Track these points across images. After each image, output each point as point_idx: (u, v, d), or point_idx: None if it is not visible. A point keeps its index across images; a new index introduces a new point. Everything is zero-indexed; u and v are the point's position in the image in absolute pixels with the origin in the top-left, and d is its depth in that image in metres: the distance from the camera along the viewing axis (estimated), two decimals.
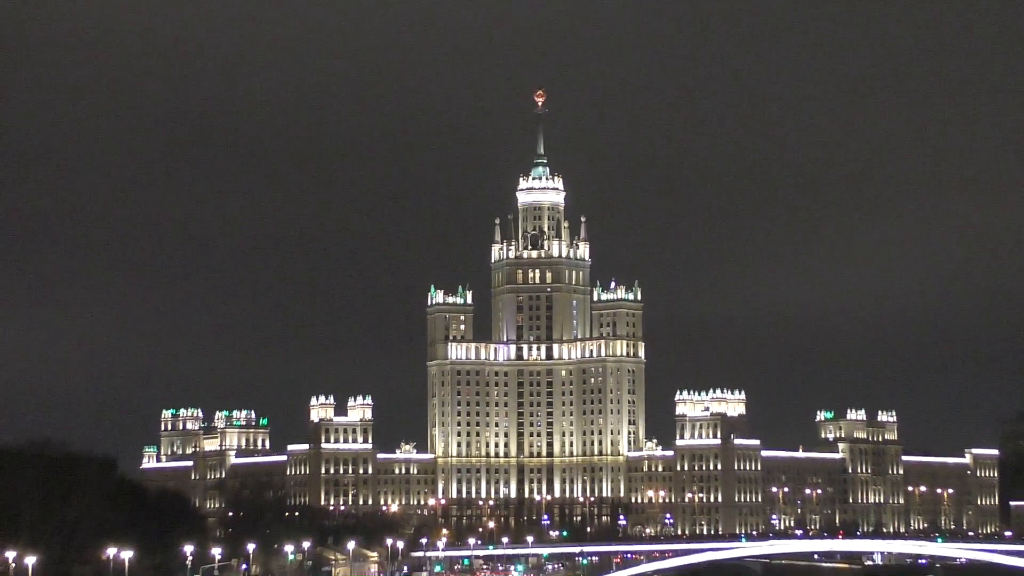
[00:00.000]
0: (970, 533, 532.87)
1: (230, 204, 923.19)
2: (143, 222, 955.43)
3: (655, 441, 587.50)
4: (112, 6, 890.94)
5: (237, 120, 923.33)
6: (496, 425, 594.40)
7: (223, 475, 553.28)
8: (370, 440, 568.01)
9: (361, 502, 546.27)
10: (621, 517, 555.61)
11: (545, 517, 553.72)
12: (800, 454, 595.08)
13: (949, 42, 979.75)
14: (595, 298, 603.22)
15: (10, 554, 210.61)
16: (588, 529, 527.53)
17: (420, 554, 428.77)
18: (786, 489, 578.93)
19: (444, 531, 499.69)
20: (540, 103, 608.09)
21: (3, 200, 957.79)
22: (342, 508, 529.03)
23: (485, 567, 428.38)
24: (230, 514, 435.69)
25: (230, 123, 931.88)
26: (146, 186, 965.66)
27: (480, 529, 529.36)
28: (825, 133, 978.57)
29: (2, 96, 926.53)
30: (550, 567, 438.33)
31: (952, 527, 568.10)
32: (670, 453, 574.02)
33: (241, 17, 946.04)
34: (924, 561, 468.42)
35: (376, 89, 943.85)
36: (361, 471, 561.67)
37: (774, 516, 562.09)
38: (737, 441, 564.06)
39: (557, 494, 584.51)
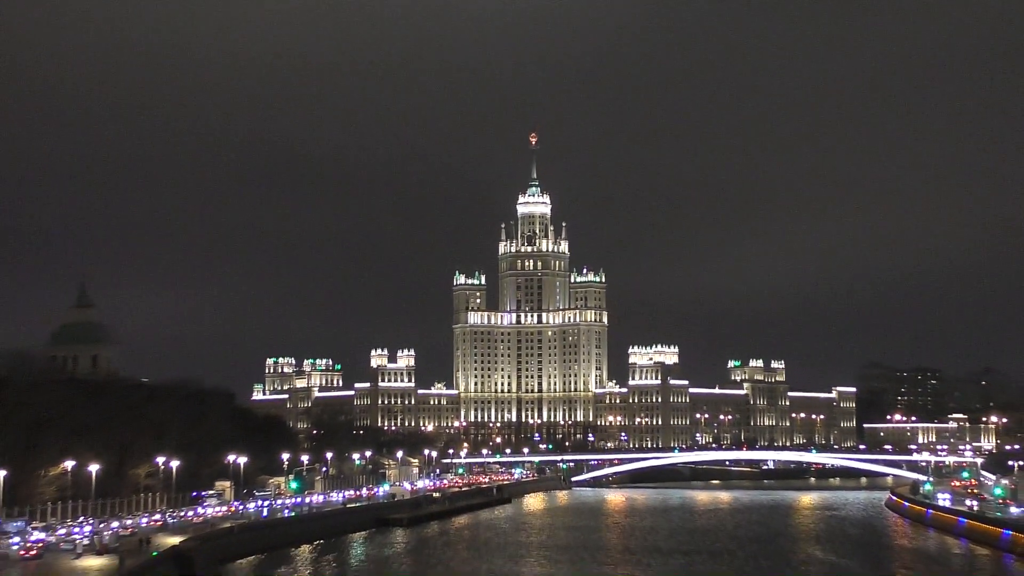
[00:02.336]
0: (835, 446, 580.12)
1: (311, 214, 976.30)
2: (251, 227, 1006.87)
3: (614, 382, 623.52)
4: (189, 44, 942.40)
5: (313, 149, 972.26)
6: (502, 370, 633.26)
7: (309, 405, 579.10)
8: (413, 380, 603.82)
9: (406, 424, 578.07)
10: (590, 435, 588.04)
11: (537, 435, 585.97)
12: (716, 391, 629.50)
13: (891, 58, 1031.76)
14: (572, 280, 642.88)
15: (160, 459, 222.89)
16: (567, 444, 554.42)
17: (448, 460, 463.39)
18: (706, 416, 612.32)
19: (465, 444, 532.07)
20: (533, 142, 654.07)
21: (163, 206, 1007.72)
22: (393, 428, 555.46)
23: (502, 470, 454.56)
24: (314, 432, 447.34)
25: (307, 152, 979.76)
26: (248, 199, 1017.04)
27: (490, 443, 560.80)
28: (755, 157, 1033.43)
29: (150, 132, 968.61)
30: (548, 470, 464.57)
31: (823, 442, 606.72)
32: (624, 390, 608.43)
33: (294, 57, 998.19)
34: (804, 465, 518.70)
35: (414, 129, 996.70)
36: (406, 402, 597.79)
37: (698, 435, 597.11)
38: (672, 381, 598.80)
39: (545, 419, 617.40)
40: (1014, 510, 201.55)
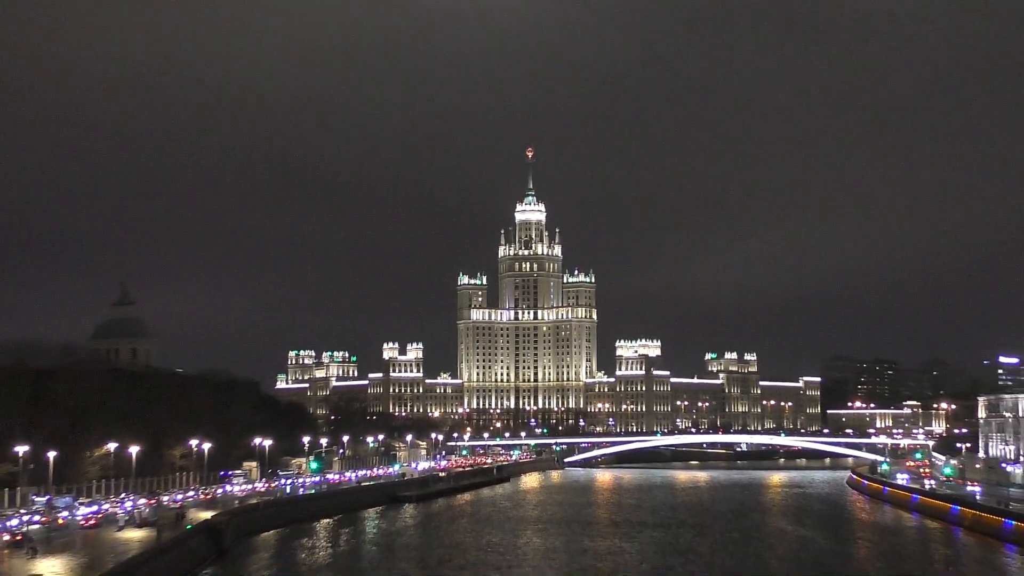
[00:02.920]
0: (801, 431, 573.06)
1: (331, 222, 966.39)
2: (276, 233, 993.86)
3: (603, 372, 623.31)
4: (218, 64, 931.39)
5: (333, 164, 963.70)
6: (501, 362, 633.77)
7: (327, 393, 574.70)
8: (421, 371, 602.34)
9: (415, 410, 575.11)
10: (581, 420, 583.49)
11: (532, 420, 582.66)
12: (695, 380, 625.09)
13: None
14: (564, 281, 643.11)
15: (193, 442, 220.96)
16: (560, 428, 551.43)
17: (452, 443, 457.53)
18: (686, 403, 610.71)
19: (468, 429, 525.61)
20: (529, 156, 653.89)
21: (198, 214, 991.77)
22: (403, 414, 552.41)
23: (501, 452, 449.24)
24: (331, 418, 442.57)
25: (328, 167, 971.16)
26: (273, 209, 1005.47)
27: (491, 428, 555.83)
28: (728, 173, 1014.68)
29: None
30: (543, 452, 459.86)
31: (790, 427, 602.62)
32: (612, 380, 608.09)
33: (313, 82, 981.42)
34: (774, 447, 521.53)
35: (423, 145, 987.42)
36: (415, 390, 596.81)
37: (678, 420, 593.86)
38: (655, 372, 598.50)
39: (540, 406, 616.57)
40: (974, 488, 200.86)
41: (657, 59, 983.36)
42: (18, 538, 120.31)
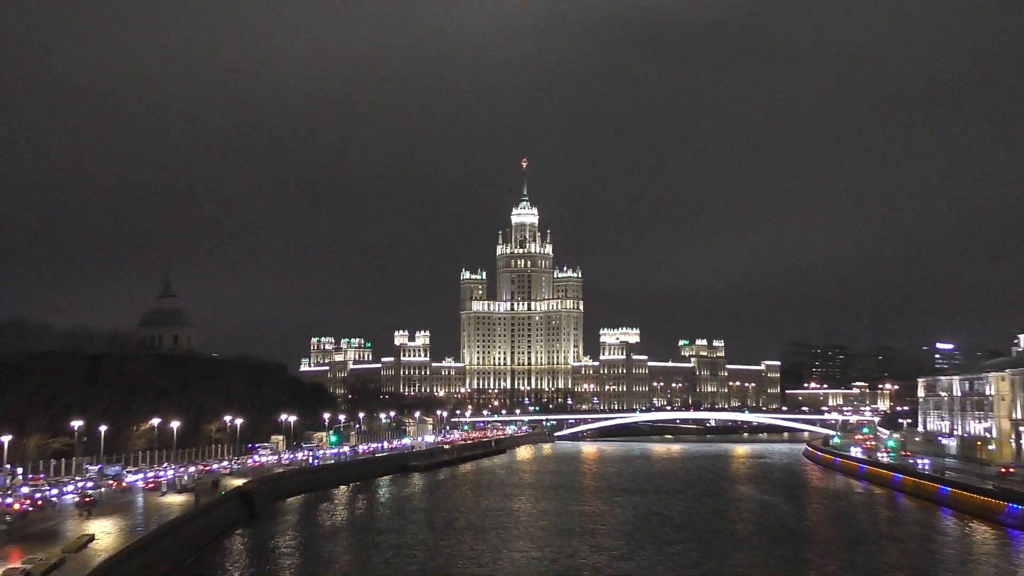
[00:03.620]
0: (763, 408, 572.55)
1: (349, 223, 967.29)
2: (301, 233, 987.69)
3: (588, 357, 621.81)
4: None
5: (353, 171, 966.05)
6: (498, 348, 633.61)
7: (345, 375, 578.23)
8: (428, 355, 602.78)
9: (422, 390, 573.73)
10: (569, 399, 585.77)
11: (526, 399, 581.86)
12: (669, 364, 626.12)
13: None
14: (555, 276, 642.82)
15: (227, 417, 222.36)
16: (551, 406, 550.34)
17: (456, 419, 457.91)
18: (661, 383, 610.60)
19: (469, 407, 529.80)
20: (524, 166, 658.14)
21: (232, 216, 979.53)
22: (412, 394, 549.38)
23: (498, 427, 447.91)
24: (349, 397, 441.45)
25: (348, 174, 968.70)
26: (299, 211, 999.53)
27: (489, 406, 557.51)
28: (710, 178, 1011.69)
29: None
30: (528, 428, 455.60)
31: (753, 405, 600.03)
32: (597, 363, 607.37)
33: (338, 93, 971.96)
34: (739, 423, 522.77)
35: (432, 156, 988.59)
36: (423, 373, 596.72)
37: (655, 399, 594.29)
38: (634, 357, 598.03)
39: (533, 386, 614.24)
40: (924, 461, 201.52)
41: (633, 83, 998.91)
42: (87, 500, 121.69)
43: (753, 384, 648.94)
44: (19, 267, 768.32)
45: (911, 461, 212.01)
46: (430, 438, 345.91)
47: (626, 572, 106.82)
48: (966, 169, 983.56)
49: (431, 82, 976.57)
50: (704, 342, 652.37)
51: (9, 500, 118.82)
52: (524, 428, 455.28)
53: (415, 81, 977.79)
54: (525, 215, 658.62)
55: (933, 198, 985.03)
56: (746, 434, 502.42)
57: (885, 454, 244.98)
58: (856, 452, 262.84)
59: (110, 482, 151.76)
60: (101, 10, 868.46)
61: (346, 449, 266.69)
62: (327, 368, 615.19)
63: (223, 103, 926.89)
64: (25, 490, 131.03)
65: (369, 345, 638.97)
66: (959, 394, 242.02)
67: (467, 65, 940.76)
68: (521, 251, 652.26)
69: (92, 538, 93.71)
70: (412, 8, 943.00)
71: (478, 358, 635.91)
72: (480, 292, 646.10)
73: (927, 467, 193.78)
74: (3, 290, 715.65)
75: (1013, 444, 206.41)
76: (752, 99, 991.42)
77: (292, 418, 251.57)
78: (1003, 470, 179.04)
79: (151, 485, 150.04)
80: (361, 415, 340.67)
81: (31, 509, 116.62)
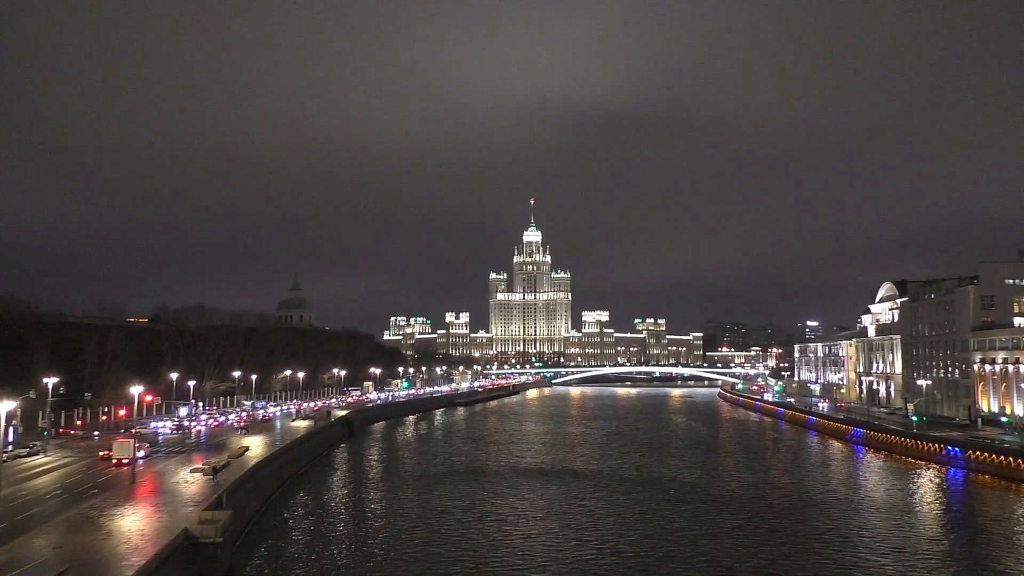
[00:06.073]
0: (691, 364, 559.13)
1: (417, 240, 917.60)
2: (386, 244, 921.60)
3: (575, 330, 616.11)
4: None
5: (420, 206, 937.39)
6: (515, 324, 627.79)
7: (413, 342, 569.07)
8: (468, 329, 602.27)
9: (464, 352, 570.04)
10: (562, 359, 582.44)
11: (534, 358, 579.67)
12: (628, 334, 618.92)
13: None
14: (553, 276, 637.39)
15: (335, 370, 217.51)
16: (549, 363, 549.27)
17: (487, 372, 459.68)
18: (623, 348, 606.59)
19: (495, 363, 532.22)
20: (532, 203, 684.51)
21: (341, 232, 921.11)
22: (457, 355, 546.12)
23: (515, 377, 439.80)
24: (415, 357, 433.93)
25: (403, 205, 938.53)
26: (383, 230, 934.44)
27: (509, 363, 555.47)
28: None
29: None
30: (528, 377, 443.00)
31: (685, 363, 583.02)
32: (580, 335, 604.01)
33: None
34: (674, 375, 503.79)
35: (466, 193, 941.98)
36: (464, 340, 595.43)
37: (619, 359, 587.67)
38: (605, 330, 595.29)
39: (538, 350, 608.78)
40: (824, 406, 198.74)
41: (593, 151, 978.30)
42: (244, 423, 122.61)
43: (684, 348, 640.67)
44: (202, 269, 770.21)
45: (788, 400, 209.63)
46: (468, 384, 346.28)
47: (598, 470, 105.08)
48: (817, 204, 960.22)
49: (465, 150, 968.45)
50: (651, 320, 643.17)
51: (196, 423, 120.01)
52: (532, 377, 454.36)
53: (454, 150, 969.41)
54: (532, 235, 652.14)
55: (804, 221, 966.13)
56: (679, 382, 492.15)
57: (772, 395, 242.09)
58: (768, 396, 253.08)
59: (258, 412, 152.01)
60: (268, 83, 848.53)
61: (413, 391, 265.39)
62: (400, 337, 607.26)
63: (323, 154, 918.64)
64: (203, 417, 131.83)
65: (428, 322, 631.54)
66: (821, 355, 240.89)
67: (486, 144, 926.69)
68: (530, 259, 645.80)
69: (247, 448, 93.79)
70: (451, 88, 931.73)
71: (501, 331, 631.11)
72: (502, 287, 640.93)
73: (817, 406, 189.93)
74: (192, 285, 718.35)
75: (857, 389, 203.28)
76: (671, 167, 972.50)
77: (378, 370, 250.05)
78: (840, 404, 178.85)
79: (288, 412, 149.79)
80: (423, 368, 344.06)
81: (215, 426, 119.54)
